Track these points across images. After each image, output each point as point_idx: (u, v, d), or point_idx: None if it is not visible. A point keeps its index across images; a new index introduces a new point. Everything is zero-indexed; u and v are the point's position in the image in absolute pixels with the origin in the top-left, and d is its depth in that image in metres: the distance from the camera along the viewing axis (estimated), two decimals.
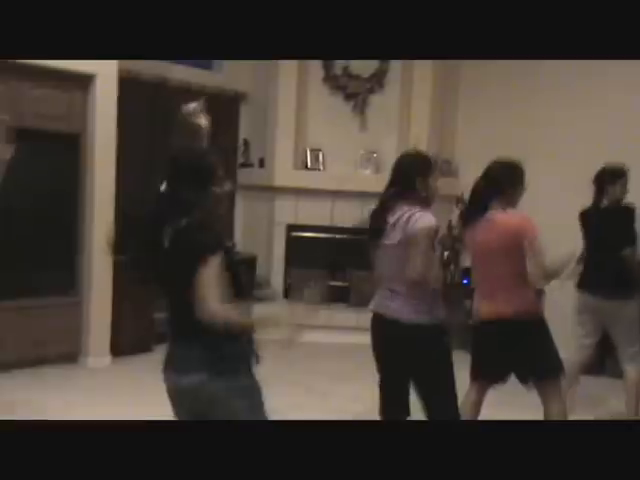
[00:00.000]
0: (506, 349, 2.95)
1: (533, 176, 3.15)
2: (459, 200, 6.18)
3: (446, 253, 6.14)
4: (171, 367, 2.10)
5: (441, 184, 5.83)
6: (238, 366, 2.08)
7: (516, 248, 2.85)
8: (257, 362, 2.12)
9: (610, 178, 3.75)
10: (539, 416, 2.99)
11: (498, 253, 2.91)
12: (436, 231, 2.64)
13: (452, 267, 6.22)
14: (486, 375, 3.10)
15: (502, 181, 2.98)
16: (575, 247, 3.21)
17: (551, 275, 2.93)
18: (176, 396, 2.12)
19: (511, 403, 3.55)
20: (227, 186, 2.17)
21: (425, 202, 2.70)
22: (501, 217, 2.93)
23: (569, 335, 5.40)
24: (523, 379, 3.02)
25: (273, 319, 2.05)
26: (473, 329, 3.14)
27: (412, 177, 2.70)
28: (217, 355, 2.03)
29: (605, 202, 3.78)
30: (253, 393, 2.11)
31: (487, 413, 3.14)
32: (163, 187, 2.18)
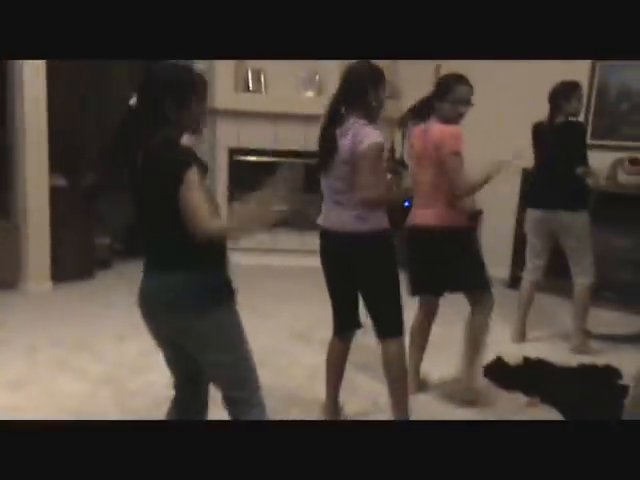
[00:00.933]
0: (432, 258, 3.05)
1: (480, 97, 3.17)
2: (401, 123, 6.21)
3: (389, 176, 6.19)
4: (152, 300, 1.98)
5: (390, 105, 5.92)
6: (222, 299, 1.98)
7: (437, 160, 2.94)
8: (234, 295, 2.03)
9: (564, 93, 3.79)
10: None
11: (424, 163, 3.02)
12: (382, 148, 2.60)
13: (395, 189, 6.29)
14: (420, 288, 3.20)
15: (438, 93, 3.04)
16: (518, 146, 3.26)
17: (472, 188, 3.05)
18: (156, 325, 2.02)
19: None
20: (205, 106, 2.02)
21: (372, 115, 2.64)
22: (433, 127, 3.00)
23: (504, 253, 5.66)
24: (453, 290, 3.13)
25: (254, 215, 1.94)
26: (406, 239, 3.17)
27: (364, 86, 2.60)
28: (201, 287, 1.94)
29: (561, 118, 3.83)
30: (236, 328, 2.03)
31: None
32: (132, 101, 1.96)
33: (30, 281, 4.84)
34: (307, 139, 6.11)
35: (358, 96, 2.59)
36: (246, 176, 5.91)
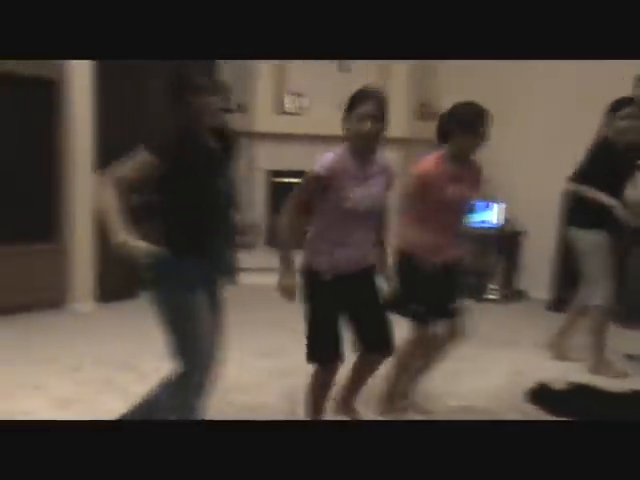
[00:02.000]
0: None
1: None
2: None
3: None
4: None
5: (423, 127, 5.92)
6: (178, 284, 2.34)
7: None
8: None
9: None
10: None
11: None
12: (317, 177, 2.54)
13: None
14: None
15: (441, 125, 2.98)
16: None
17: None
18: None
19: None
20: (214, 100, 2.20)
21: (346, 139, 2.60)
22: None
23: (545, 274, 5.55)
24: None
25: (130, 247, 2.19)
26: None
27: (344, 113, 2.62)
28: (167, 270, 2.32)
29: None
30: (181, 311, 2.37)
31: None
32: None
33: (76, 301, 4.96)
34: None
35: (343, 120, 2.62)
36: (285, 198, 5.97)
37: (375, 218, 2.71)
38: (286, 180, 6.15)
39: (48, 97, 4.77)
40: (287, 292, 2.63)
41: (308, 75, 6.19)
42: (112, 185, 2.21)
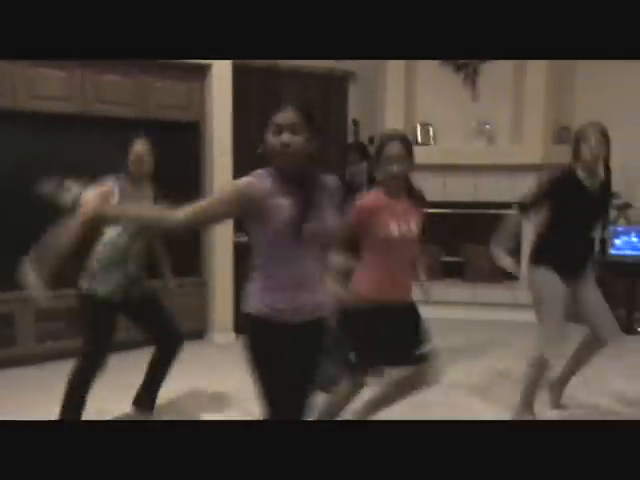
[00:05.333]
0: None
1: None
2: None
3: None
4: None
5: (559, 152, 5.69)
6: None
7: None
8: None
9: None
10: None
11: None
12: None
13: None
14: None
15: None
16: None
17: None
18: None
19: None
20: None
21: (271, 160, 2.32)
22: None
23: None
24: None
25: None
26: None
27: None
28: None
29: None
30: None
31: None
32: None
33: (216, 332, 5.20)
34: (477, 189, 6.03)
35: None
36: None
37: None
38: None
39: (192, 139, 5.12)
40: None
41: (436, 104, 6.17)
42: None
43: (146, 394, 3.47)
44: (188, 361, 4.57)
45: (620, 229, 5.62)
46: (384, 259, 2.75)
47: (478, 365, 4.51)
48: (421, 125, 6.22)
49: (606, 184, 3.34)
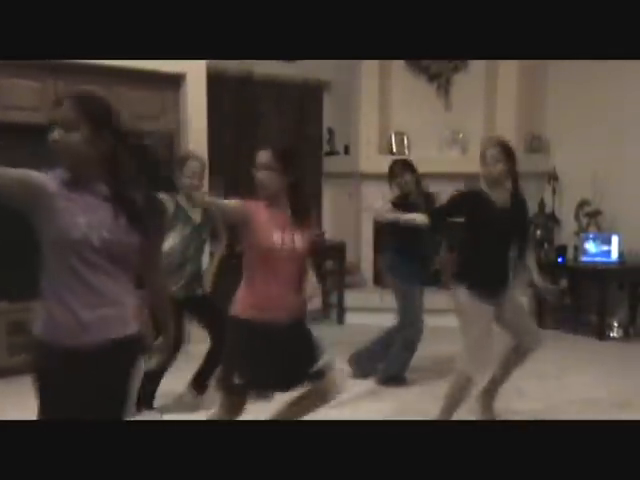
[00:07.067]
0: None
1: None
2: (551, 177, 6.00)
3: (538, 232, 5.98)
4: None
5: (531, 161, 5.77)
6: None
7: None
8: None
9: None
10: None
11: None
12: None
13: (546, 245, 6.06)
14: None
15: None
16: None
17: None
18: None
19: None
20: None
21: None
22: None
23: None
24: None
25: None
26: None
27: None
28: None
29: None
30: None
31: None
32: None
33: (192, 344, 5.12)
34: None
35: None
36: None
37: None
38: None
39: (166, 149, 5.07)
40: None
41: (410, 114, 6.23)
42: None
43: (201, 379, 3.78)
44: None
45: (591, 235, 5.71)
46: (262, 273, 2.57)
47: None
48: (395, 134, 6.26)
49: (518, 198, 3.28)
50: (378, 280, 6.14)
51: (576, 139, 5.93)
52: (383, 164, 6.20)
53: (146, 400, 3.59)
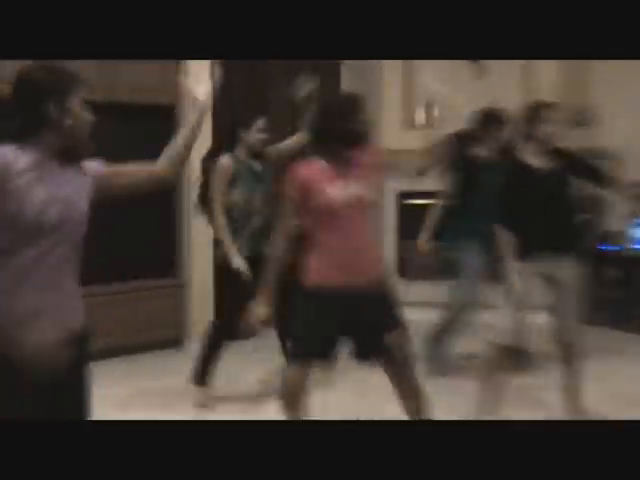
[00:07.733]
0: None
1: None
2: (599, 153, 5.40)
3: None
4: None
5: (575, 135, 5.21)
6: None
7: None
8: None
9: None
10: None
11: None
12: None
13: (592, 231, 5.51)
14: None
15: None
16: None
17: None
18: None
19: None
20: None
21: None
22: None
23: None
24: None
25: None
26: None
27: None
28: None
29: None
30: None
31: None
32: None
33: (193, 340, 4.74)
34: None
35: None
36: (417, 221, 5.48)
37: None
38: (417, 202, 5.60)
39: (167, 124, 4.64)
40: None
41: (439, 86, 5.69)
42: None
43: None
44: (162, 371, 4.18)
45: None
46: (327, 235, 2.55)
47: None
48: (422, 107, 5.74)
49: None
50: (402, 272, 5.65)
51: (625, 108, 5.36)
52: (407, 140, 5.74)
53: (199, 378, 3.62)
